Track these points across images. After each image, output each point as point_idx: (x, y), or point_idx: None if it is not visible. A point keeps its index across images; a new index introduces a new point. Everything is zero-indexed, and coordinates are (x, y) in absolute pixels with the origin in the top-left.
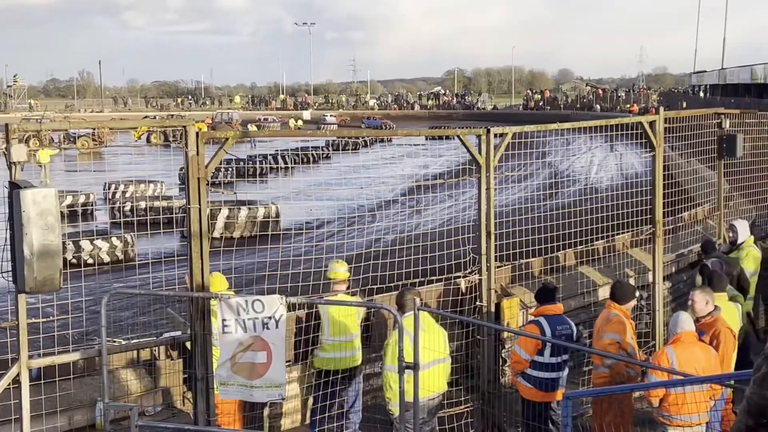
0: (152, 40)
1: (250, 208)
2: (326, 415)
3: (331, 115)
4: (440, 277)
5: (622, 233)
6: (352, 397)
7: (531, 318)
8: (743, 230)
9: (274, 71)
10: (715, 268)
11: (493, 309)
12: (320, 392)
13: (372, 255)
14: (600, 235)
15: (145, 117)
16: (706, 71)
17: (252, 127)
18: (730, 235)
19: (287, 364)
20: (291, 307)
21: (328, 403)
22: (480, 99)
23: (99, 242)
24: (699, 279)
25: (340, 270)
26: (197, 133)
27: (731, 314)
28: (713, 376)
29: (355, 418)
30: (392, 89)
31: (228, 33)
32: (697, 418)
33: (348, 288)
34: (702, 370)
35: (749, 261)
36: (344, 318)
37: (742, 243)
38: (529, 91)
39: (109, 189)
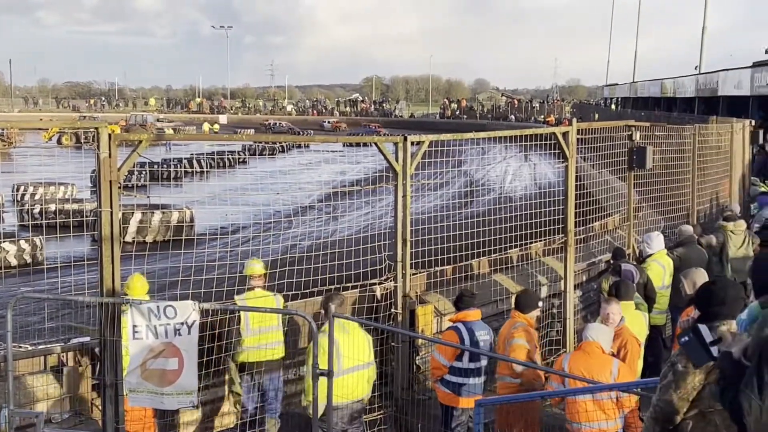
0: (65, 39)
1: (163, 212)
2: (249, 408)
3: (328, 121)
4: (356, 283)
5: (536, 242)
6: (274, 390)
7: (449, 324)
8: (657, 243)
9: (190, 74)
10: (628, 275)
11: (408, 316)
12: (246, 384)
13: (288, 261)
14: (514, 244)
15: (83, 117)
16: (617, 84)
17: (168, 130)
18: (643, 246)
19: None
20: (205, 313)
21: (252, 394)
22: (398, 107)
23: (6, 245)
24: (606, 285)
25: (256, 267)
26: (110, 135)
27: (638, 322)
28: (618, 384)
29: (276, 407)
30: (310, 95)
31: (144, 34)
32: (606, 425)
33: (264, 285)
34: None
35: (653, 275)
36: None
37: (652, 255)
38: (446, 99)
39: (17, 191)
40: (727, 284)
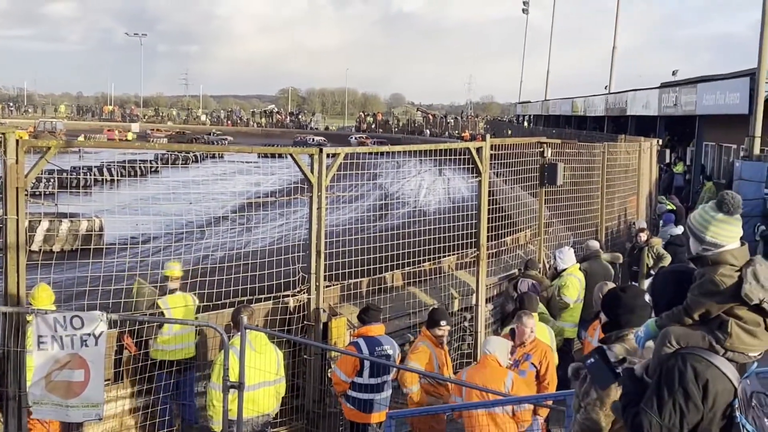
0: None
1: (72, 221)
2: (160, 396)
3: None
4: (269, 295)
5: (449, 255)
6: (188, 386)
7: (352, 339)
8: (567, 258)
9: (102, 81)
10: (529, 288)
11: (320, 328)
12: (161, 383)
13: (200, 272)
14: (428, 257)
15: None
16: (530, 102)
17: (80, 138)
18: (557, 262)
19: (107, 383)
20: (113, 324)
21: (167, 394)
22: (313, 119)
23: None
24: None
25: (176, 268)
26: (17, 141)
27: (542, 333)
28: (528, 397)
29: (191, 404)
30: (225, 105)
31: (55, 40)
32: None
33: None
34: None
35: (571, 288)
36: (184, 310)
37: (565, 270)
38: (362, 113)
39: None
40: (637, 293)
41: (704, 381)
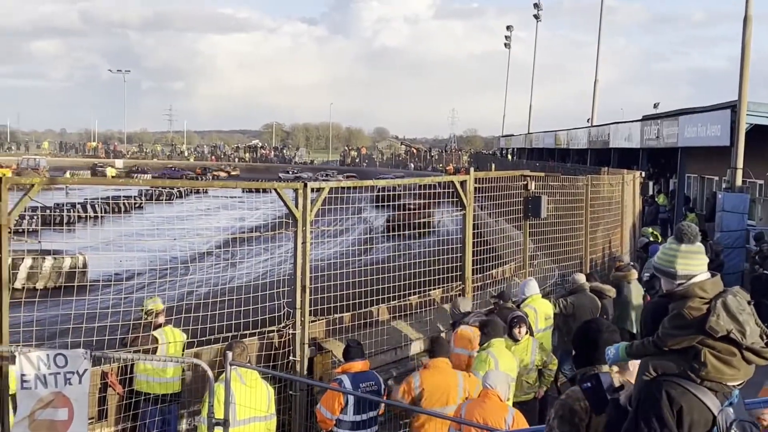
0: None
1: (55, 258)
2: None
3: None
4: (254, 330)
5: (434, 289)
6: (173, 421)
7: (335, 375)
8: (528, 288)
9: (86, 118)
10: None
11: (306, 363)
12: (146, 419)
13: (184, 308)
14: (413, 291)
15: None
16: (513, 135)
17: (68, 174)
18: (515, 292)
19: (90, 421)
20: (97, 362)
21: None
22: (298, 153)
23: None
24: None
25: (159, 302)
26: (0, 179)
27: (509, 360)
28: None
29: None
30: (209, 140)
31: (38, 77)
32: None
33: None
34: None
35: (532, 317)
36: (173, 345)
37: (524, 300)
38: (346, 147)
39: None
40: (602, 327)
41: (678, 407)
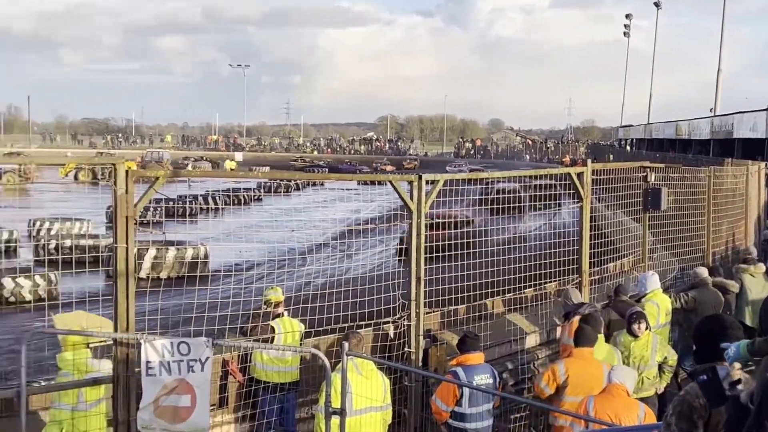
0: (84, 76)
1: (178, 249)
2: (264, 421)
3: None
4: (369, 322)
5: (550, 282)
6: (291, 410)
7: (450, 367)
8: (650, 283)
9: (207, 112)
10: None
11: (421, 355)
12: (265, 407)
13: (302, 298)
14: (527, 284)
15: (100, 153)
16: (632, 125)
17: (190, 167)
18: (636, 286)
19: (211, 408)
20: (217, 350)
21: (271, 419)
22: (412, 146)
23: (21, 280)
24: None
25: (278, 292)
26: (127, 172)
27: (610, 356)
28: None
29: (293, 430)
30: (325, 133)
31: (163, 73)
32: None
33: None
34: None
35: (654, 313)
36: (290, 335)
37: (645, 295)
38: (460, 139)
39: (33, 226)
40: (725, 324)
41: None
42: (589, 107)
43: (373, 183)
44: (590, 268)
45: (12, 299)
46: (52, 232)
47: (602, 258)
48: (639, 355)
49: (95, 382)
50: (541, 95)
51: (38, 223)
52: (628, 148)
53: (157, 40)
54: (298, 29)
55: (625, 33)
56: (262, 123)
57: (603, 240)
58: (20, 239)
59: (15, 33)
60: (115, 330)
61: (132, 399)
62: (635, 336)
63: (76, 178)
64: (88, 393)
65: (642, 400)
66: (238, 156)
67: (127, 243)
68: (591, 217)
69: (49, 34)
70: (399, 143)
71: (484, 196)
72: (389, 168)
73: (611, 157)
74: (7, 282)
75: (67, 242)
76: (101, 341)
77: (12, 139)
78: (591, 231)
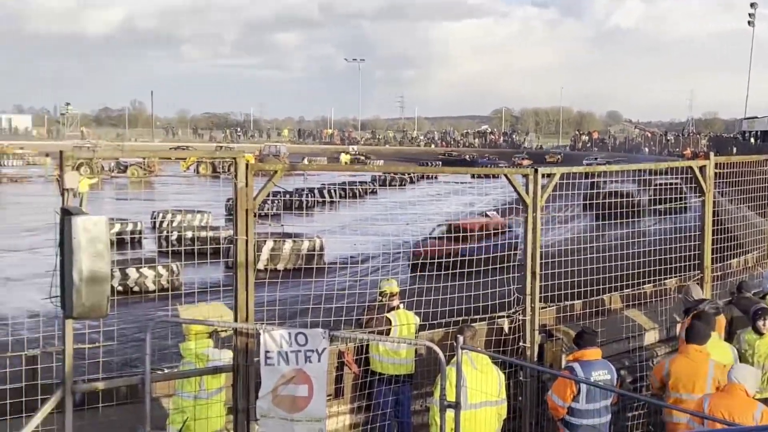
0: (205, 72)
1: (294, 241)
2: (379, 412)
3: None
4: (483, 316)
5: (670, 278)
6: (406, 402)
7: (567, 363)
8: None
9: (322, 106)
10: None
11: (536, 350)
12: (381, 399)
13: (416, 291)
14: (646, 279)
15: (219, 147)
16: (757, 117)
17: (306, 161)
18: (760, 283)
19: (327, 398)
20: (333, 341)
21: (386, 411)
22: (527, 138)
23: (145, 270)
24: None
25: (394, 284)
26: (247, 165)
27: (724, 353)
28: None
29: (408, 421)
30: (439, 126)
31: (280, 68)
32: None
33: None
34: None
35: None
36: (406, 328)
37: None
38: (577, 131)
39: (156, 218)
40: None
41: None
42: (712, 99)
43: (487, 176)
44: (712, 263)
45: (136, 289)
46: (174, 224)
47: (725, 254)
48: (764, 353)
49: (216, 370)
50: (661, 87)
51: (161, 215)
52: (753, 140)
53: (274, 36)
54: (412, 22)
55: (749, 22)
56: (376, 117)
57: (726, 235)
58: (144, 231)
59: (139, 30)
60: (235, 320)
61: (251, 388)
62: (760, 333)
63: (197, 171)
64: (209, 381)
65: (765, 400)
66: (353, 149)
67: (246, 235)
68: (714, 211)
69: (171, 30)
70: (514, 136)
71: (592, 201)
72: (526, 162)
73: (734, 149)
74: (132, 272)
75: (189, 234)
76: (223, 330)
77: (136, 134)
78: (713, 226)
